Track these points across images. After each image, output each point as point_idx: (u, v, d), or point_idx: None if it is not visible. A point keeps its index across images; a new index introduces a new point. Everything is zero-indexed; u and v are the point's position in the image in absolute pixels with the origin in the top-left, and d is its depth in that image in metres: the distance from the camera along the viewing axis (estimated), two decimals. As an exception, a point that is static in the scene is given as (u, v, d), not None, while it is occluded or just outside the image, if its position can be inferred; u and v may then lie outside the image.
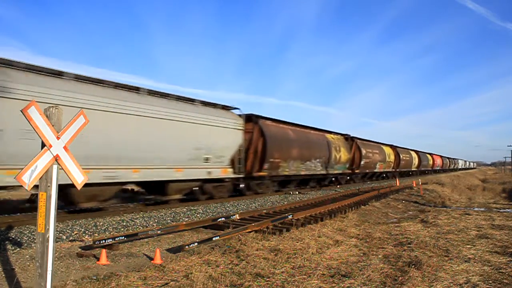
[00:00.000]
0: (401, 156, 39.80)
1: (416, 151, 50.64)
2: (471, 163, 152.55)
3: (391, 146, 38.63)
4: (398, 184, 26.86)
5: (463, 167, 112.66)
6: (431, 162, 59.28)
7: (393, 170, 38.23)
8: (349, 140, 27.74)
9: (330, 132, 24.83)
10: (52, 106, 3.71)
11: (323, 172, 22.12)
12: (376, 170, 32.42)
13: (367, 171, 30.35)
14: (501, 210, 14.47)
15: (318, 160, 21.08)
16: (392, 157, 37.01)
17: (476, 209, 14.85)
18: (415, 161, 47.83)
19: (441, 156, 72.95)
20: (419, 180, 29.77)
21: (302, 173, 19.69)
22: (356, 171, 27.78)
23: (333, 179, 25.36)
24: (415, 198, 19.18)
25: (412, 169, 47.92)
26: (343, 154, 24.59)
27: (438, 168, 67.48)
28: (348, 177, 28.11)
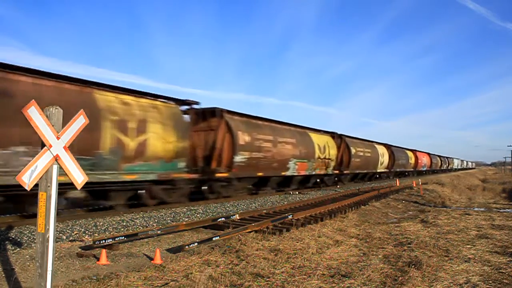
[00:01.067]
0: (352, 151, 25.66)
1: (387, 145, 36.54)
2: (470, 163, 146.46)
3: (333, 134, 24.64)
4: (398, 184, 26.88)
5: (459, 167, 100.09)
6: (412, 161, 45.62)
7: (336, 172, 24.13)
8: (198, 114, 14.00)
9: (117, 89, 10.75)
10: (52, 106, 3.71)
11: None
12: (289, 173, 18.53)
13: (260, 174, 16.26)
14: (501, 210, 14.48)
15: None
16: (333, 152, 23.22)
17: (476, 209, 14.86)
18: (384, 158, 33.78)
19: (429, 154, 58.16)
20: (419, 180, 29.74)
21: None
22: (222, 174, 14.12)
23: (141, 192, 11.49)
24: (415, 198, 19.18)
25: (379, 171, 33.29)
26: (157, 141, 11.33)
27: (424, 169, 53.42)
28: (194, 186, 13.47)
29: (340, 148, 24.83)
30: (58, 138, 3.66)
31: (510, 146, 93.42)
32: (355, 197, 16.02)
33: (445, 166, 74.66)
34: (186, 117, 12.98)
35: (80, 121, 3.91)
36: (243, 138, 14.95)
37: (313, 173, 21.24)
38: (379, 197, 17.42)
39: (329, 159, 22.63)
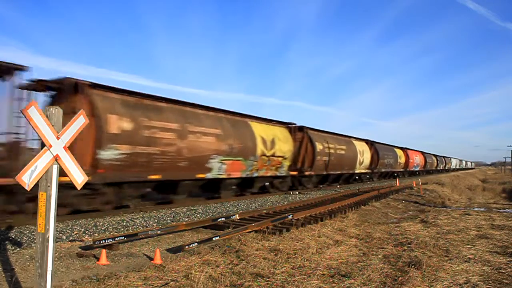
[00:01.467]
0: (318, 147, 20.67)
1: (369, 142, 31.42)
2: (469, 163, 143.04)
3: (290, 125, 19.39)
4: (398, 184, 26.87)
5: (457, 167, 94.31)
6: (402, 161, 40.25)
7: (294, 173, 19.19)
8: (62, 91, 9.78)
9: None
10: (52, 106, 3.71)
11: None
12: (212, 175, 13.48)
13: (155, 177, 11.23)
14: (501, 210, 14.48)
15: None
16: (287, 148, 17.93)
17: (476, 209, 14.85)
18: (364, 157, 28.53)
19: (423, 153, 52.89)
20: (419, 180, 29.71)
21: None
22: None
23: None
24: (415, 198, 19.18)
25: (358, 172, 28.38)
26: None
27: (417, 169, 48.61)
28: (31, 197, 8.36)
29: (302, 143, 19.77)
30: (58, 138, 3.66)
31: (510, 146, 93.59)
32: (355, 197, 16.02)
33: (441, 166, 69.34)
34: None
35: (80, 121, 3.91)
36: (119, 124, 10.13)
37: (255, 174, 16.04)
38: (379, 197, 17.42)
39: (280, 156, 17.33)
